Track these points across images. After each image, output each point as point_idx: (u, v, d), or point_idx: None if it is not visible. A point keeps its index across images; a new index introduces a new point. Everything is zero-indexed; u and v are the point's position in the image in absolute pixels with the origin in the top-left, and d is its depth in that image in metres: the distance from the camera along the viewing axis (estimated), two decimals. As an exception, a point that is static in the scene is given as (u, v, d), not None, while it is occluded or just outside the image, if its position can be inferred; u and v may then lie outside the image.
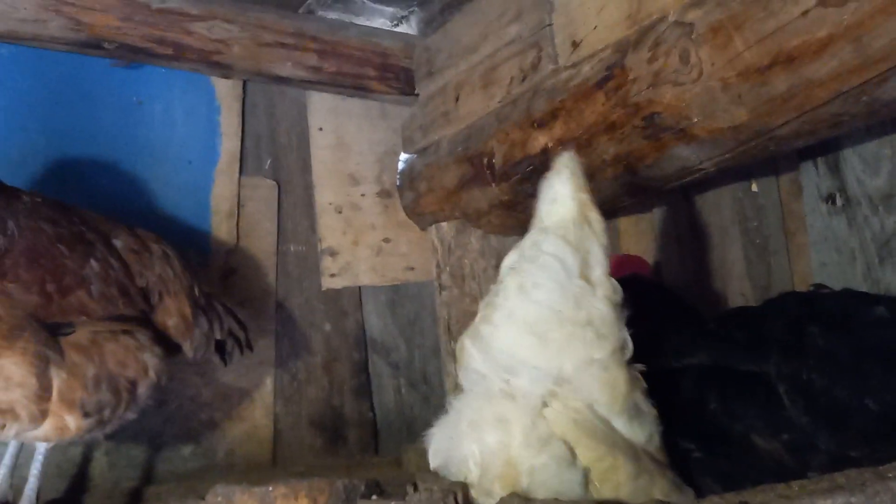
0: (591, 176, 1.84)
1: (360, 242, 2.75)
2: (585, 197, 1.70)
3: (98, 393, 1.83)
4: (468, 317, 2.58)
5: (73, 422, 1.82)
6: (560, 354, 1.63)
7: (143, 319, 1.96)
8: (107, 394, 1.85)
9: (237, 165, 2.60)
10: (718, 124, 1.76)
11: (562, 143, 2.04)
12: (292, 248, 2.67)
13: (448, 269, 2.64)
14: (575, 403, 1.64)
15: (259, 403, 2.57)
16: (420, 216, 2.71)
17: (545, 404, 1.63)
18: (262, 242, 2.62)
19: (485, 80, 2.39)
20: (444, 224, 2.63)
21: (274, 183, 2.66)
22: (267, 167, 2.67)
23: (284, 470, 2.53)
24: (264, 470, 2.51)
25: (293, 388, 2.63)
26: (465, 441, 1.71)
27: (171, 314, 2.03)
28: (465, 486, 1.68)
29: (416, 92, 2.69)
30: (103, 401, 1.85)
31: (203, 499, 1.89)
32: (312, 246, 2.70)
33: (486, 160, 2.32)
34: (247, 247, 2.60)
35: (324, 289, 2.70)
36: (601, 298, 1.66)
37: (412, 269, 2.80)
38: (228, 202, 2.57)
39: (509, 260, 1.75)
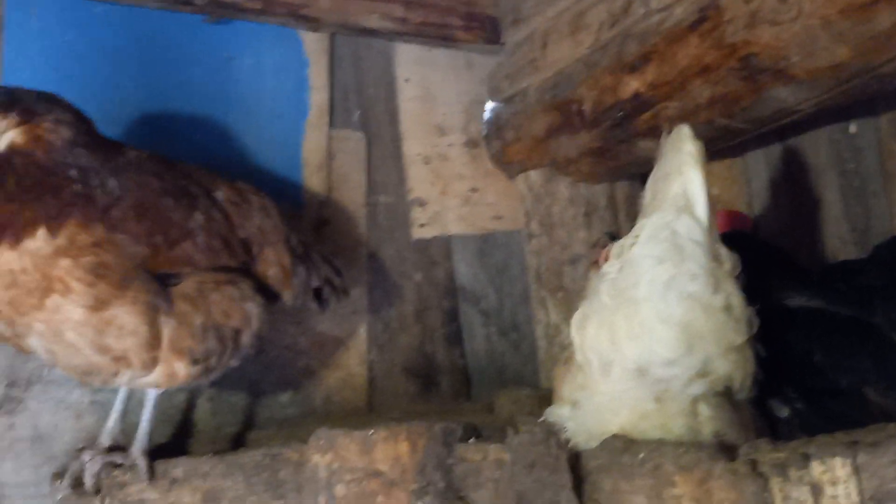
0: (685, 120, 1.84)
1: (448, 192, 2.77)
2: (704, 169, 1.69)
3: (205, 341, 1.89)
4: (558, 265, 2.60)
5: (181, 369, 1.89)
6: (706, 346, 1.64)
7: (244, 270, 2.02)
8: (213, 342, 1.91)
9: (326, 118, 2.63)
10: (818, 64, 1.73)
11: (654, 87, 2.03)
12: (382, 200, 2.71)
13: (537, 217, 2.65)
14: (717, 390, 1.65)
15: (353, 351, 2.62)
16: (508, 165, 2.72)
17: (693, 400, 1.65)
18: (352, 194, 2.66)
19: (573, 27, 2.37)
20: (532, 172, 2.64)
21: (362, 135, 2.69)
22: (355, 119, 2.69)
23: (380, 415, 2.58)
24: (360, 416, 2.57)
25: (386, 336, 2.68)
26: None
27: (271, 264, 2.08)
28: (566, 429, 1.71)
29: (501, 41, 2.68)
30: (210, 349, 1.91)
31: (305, 442, 1.97)
32: (401, 197, 2.73)
33: (575, 107, 2.31)
34: (338, 198, 2.64)
35: (413, 239, 2.73)
36: (729, 276, 1.66)
37: (500, 217, 2.81)
38: (319, 155, 2.61)
39: (644, 246, 1.71)
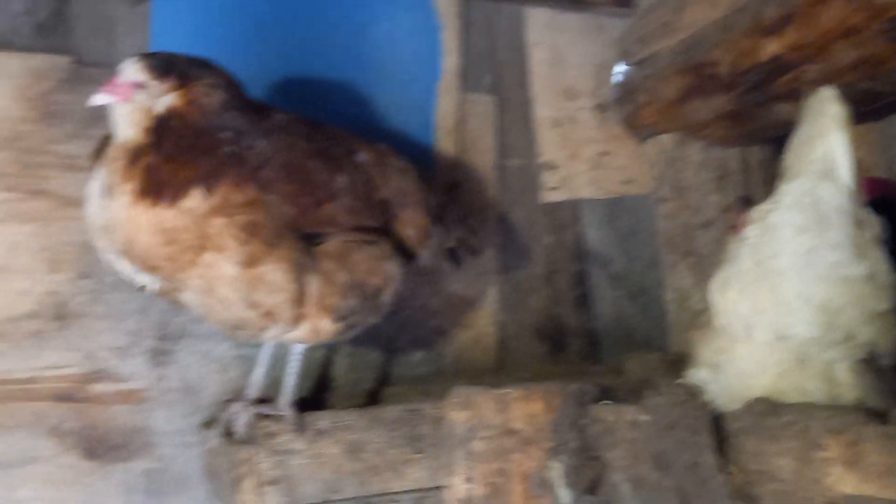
0: (826, 83, 1.81)
1: (577, 156, 2.78)
2: (849, 133, 1.67)
3: (348, 298, 1.96)
4: (689, 229, 2.59)
5: (326, 325, 1.96)
6: (848, 317, 1.63)
7: (383, 230, 2.08)
8: (355, 300, 1.98)
9: (458, 82, 2.67)
10: (973, 21, 1.69)
11: (794, 50, 2.00)
12: (512, 163, 2.73)
13: (668, 181, 2.64)
14: (859, 356, 1.64)
15: (484, 312, 2.67)
16: (638, 129, 2.72)
17: (833, 365, 1.64)
18: (482, 157, 2.70)
19: (709, -12, 2.35)
20: (663, 136, 2.63)
21: (494, 98, 2.72)
22: (486, 83, 2.72)
23: (509, 375, 2.62)
24: (489, 375, 2.61)
25: (516, 297, 2.71)
26: None
27: (409, 224, 2.14)
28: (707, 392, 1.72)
29: (634, 3, 2.67)
30: (353, 306, 1.98)
31: (442, 399, 2.03)
32: (531, 160, 2.76)
33: (709, 70, 2.29)
34: (468, 161, 2.68)
35: (543, 202, 2.75)
36: (873, 243, 1.64)
37: (630, 181, 2.81)
38: (451, 118, 2.65)
39: (785, 213, 1.70)
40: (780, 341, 1.67)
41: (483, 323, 2.67)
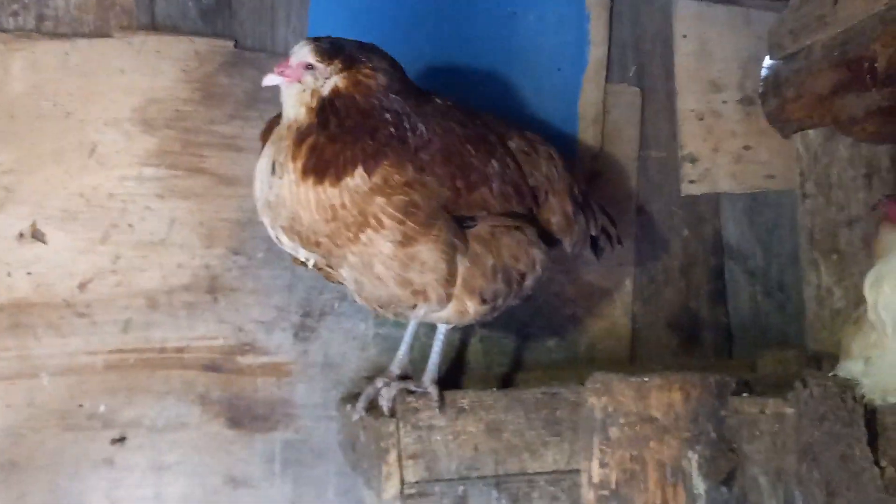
0: None
1: (720, 149, 2.76)
2: None
3: (495, 282, 2.00)
4: (833, 226, 2.55)
5: (472, 307, 2.01)
6: None
7: (530, 216, 2.11)
8: (501, 283, 2.02)
9: (604, 72, 2.68)
10: None
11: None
12: (653, 154, 2.73)
13: (813, 177, 2.60)
14: None
15: (619, 302, 2.69)
16: (784, 123, 2.68)
17: None
18: (624, 148, 2.70)
19: (869, -18, 2.31)
20: (810, 131, 2.58)
21: (637, 90, 2.72)
22: (631, 74, 2.73)
23: (641, 366, 2.63)
24: (622, 365, 2.62)
25: (651, 289, 2.72)
26: None
27: (555, 212, 2.17)
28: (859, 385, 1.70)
29: (786, -3, 2.65)
30: (498, 290, 2.02)
31: (578, 385, 2.05)
32: (673, 152, 2.75)
33: (866, 64, 2.25)
34: (610, 152, 2.69)
35: (683, 195, 2.75)
36: None
37: (772, 177, 2.78)
38: (594, 108, 2.66)
39: None
40: None
41: (617, 313, 2.69)
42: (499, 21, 2.62)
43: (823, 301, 2.57)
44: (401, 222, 1.86)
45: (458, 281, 1.96)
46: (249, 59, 2.46)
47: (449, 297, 1.98)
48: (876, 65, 2.22)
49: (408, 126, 1.91)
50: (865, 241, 2.44)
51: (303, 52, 1.90)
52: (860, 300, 2.34)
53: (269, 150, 1.94)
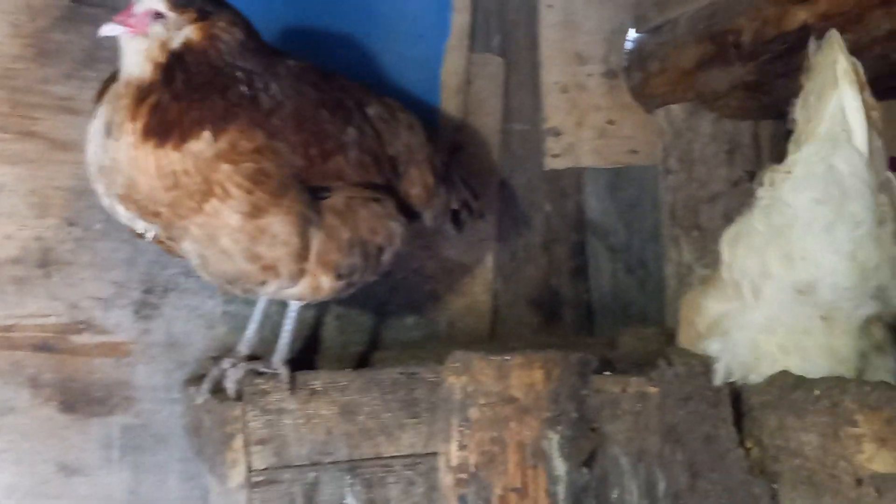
0: (857, 54, 1.75)
1: (583, 123, 2.71)
2: (859, 82, 1.59)
3: (351, 256, 1.89)
4: (695, 202, 2.53)
5: (326, 282, 1.89)
6: (876, 274, 1.57)
7: (388, 187, 2.01)
8: (358, 258, 1.91)
9: (467, 41, 2.58)
10: None
11: (826, 19, 1.94)
12: (516, 127, 2.66)
13: (675, 153, 2.57)
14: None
15: (479, 279, 2.61)
16: (648, 98, 2.65)
17: (866, 321, 1.59)
18: (487, 120, 2.62)
19: (736, -46, 2.28)
20: (673, 106, 2.56)
21: (502, 60, 2.63)
22: (495, 44, 2.64)
23: (502, 344, 2.56)
24: (483, 343, 2.55)
25: (512, 266, 2.65)
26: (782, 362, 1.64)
27: (415, 183, 2.07)
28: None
29: (652, -32, 2.60)
30: (354, 264, 1.91)
31: (436, 364, 1.97)
32: (536, 125, 2.68)
33: (732, 38, 2.22)
34: (473, 123, 2.60)
35: (546, 169, 2.68)
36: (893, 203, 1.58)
37: (635, 152, 2.74)
38: (457, 78, 2.57)
39: (795, 184, 1.62)
40: (800, 295, 1.61)
41: (478, 290, 2.61)
42: (361, -15, 2.49)
43: (683, 278, 2.55)
44: (249, 192, 1.72)
45: (312, 255, 1.84)
46: (88, 14, 2.24)
47: (302, 273, 1.85)
48: (741, 39, 2.20)
49: (261, 86, 1.77)
50: (727, 218, 2.42)
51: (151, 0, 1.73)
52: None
53: (103, 111, 1.76)
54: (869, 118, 1.57)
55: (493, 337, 2.62)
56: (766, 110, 2.45)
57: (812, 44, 1.72)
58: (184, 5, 1.74)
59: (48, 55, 2.23)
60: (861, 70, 1.61)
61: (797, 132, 1.69)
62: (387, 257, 1.98)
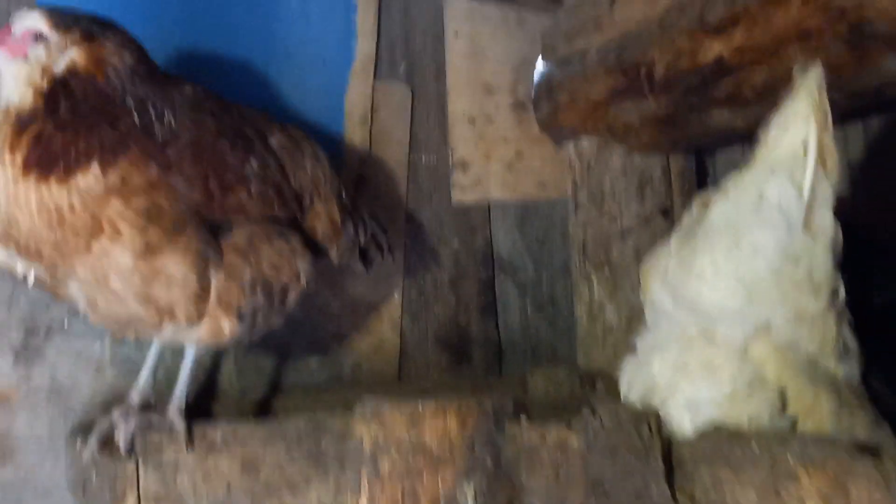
0: (771, 89, 1.71)
1: (491, 156, 2.63)
2: (824, 124, 1.55)
3: (253, 297, 1.76)
4: (606, 238, 2.48)
5: (227, 325, 1.75)
6: (771, 308, 1.53)
7: (293, 222, 1.88)
8: (261, 299, 1.77)
9: (372, 68, 2.48)
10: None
11: (741, 52, 1.90)
12: (423, 159, 2.57)
13: (586, 187, 2.51)
14: (778, 343, 1.54)
15: (386, 317, 2.50)
16: (557, 130, 2.58)
17: (748, 346, 1.54)
18: (394, 151, 2.52)
19: (648, -16, 2.23)
20: (583, 139, 2.50)
21: (408, 88, 2.54)
22: (401, 72, 2.54)
23: (410, 385, 2.47)
24: (390, 385, 2.45)
25: (420, 303, 2.55)
26: (673, 387, 1.60)
27: (321, 218, 1.95)
28: (656, 414, 1.59)
29: (561, -3, 2.54)
30: (257, 305, 1.77)
31: (341, 410, 1.84)
32: (443, 157, 2.59)
33: (643, 70, 2.16)
34: (379, 155, 2.49)
35: (454, 202, 2.59)
36: (823, 249, 1.53)
37: (544, 185, 2.67)
38: (362, 107, 2.46)
39: (721, 204, 1.62)
40: (690, 313, 1.58)
41: (385, 329, 2.50)
42: (260, 3, 2.36)
43: (595, 316, 2.49)
44: (142, 230, 1.57)
45: (212, 296, 1.70)
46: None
47: (201, 315, 1.71)
48: (654, 71, 2.15)
49: (154, 115, 1.62)
50: (638, 254, 2.37)
51: (31, 19, 1.58)
52: (633, 315, 2.28)
53: (-23, 140, 1.59)
54: (822, 160, 1.54)
55: (402, 378, 2.51)
56: (677, 144, 2.42)
57: (796, 69, 1.67)
58: (67, 25, 1.59)
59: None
60: (829, 113, 1.58)
61: (755, 153, 1.65)
62: (293, 297, 1.85)
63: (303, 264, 1.84)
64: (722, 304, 1.56)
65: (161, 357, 1.95)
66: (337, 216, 1.97)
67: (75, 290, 1.66)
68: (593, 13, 2.38)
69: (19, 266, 1.63)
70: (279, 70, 2.38)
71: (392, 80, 2.53)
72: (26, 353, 2.14)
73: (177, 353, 1.93)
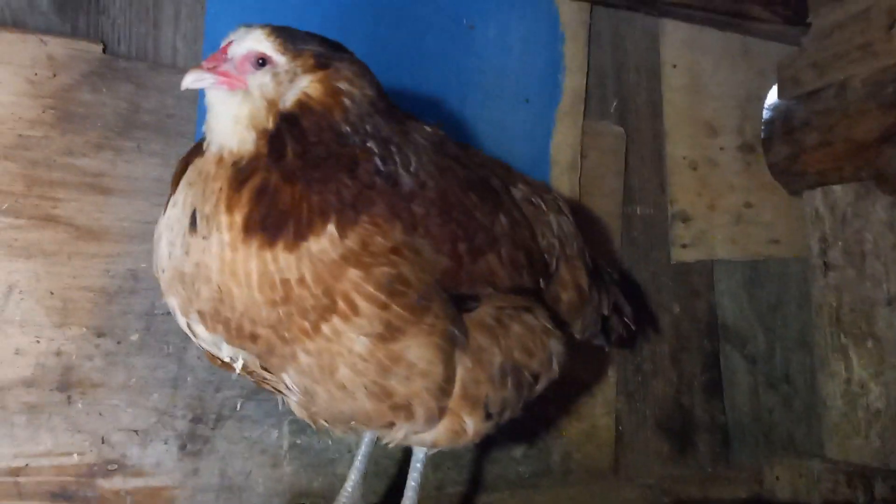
0: None
1: (716, 206, 2.26)
2: None
3: (503, 388, 1.39)
4: (868, 305, 2.07)
5: (471, 425, 1.38)
6: None
7: (537, 293, 1.50)
8: (511, 389, 1.40)
9: (581, 107, 2.13)
10: None
11: None
12: (639, 211, 2.20)
13: (839, 244, 2.12)
14: None
15: (599, 398, 2.13)
16: (795, 176, 2.20)
17: None
18: (605, 201, 2.16)
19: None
20: (836, 187, 2.11)
21: (621, 130, 2.18)
22: (612, 111, 2.19)
23: (629, 480, 2.09)
24: (606, 478, 2.07)
25: (637, 381, 2.17)
26: None
27: (567, 285, 1.57)
28: None
29: (807, 20, 2.16)
30: (507, 399, 1.40)
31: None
32: (661, 209, 2.23)
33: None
34: (589, 205, 2.14)
35: (673, 261, 2.22)
36: None
37: (776, 241, 2.29)
38: (571, 151, 2.11)
39: None
40: None
41: (598, 412, 2.13)
42: (454, 35, 2.03)
43: (855, 399, 2.08)
44: (383, 306, 1.22)
45: (456, 388, 1.33)
46: (124, 69, 1.78)
47: (441, 413, 1.34)
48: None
49: (399, 161, 1.27)
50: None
51: (253, 38, 1.24)
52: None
53: (184, 196, 1.25)
54: None
55: (617, 470, 2.13)
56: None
57: None
58: (298, 48, 1.25)
59: (74, 119, 1.74)
60: None
61: None
62: (541, 387, 1.48)
63: (555, 345, 1.47)
64: None
65: (369, 455, 1.60)
66: (584, 282, 1.60)
67: (291, 380, 1.30)
68: (860, 38, 2.00)
69: (226, 351, 1.28)
70: (475, 108, 2.04)
71: (603, 119, 2.18)
72: (193, 443, 1.81)
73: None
